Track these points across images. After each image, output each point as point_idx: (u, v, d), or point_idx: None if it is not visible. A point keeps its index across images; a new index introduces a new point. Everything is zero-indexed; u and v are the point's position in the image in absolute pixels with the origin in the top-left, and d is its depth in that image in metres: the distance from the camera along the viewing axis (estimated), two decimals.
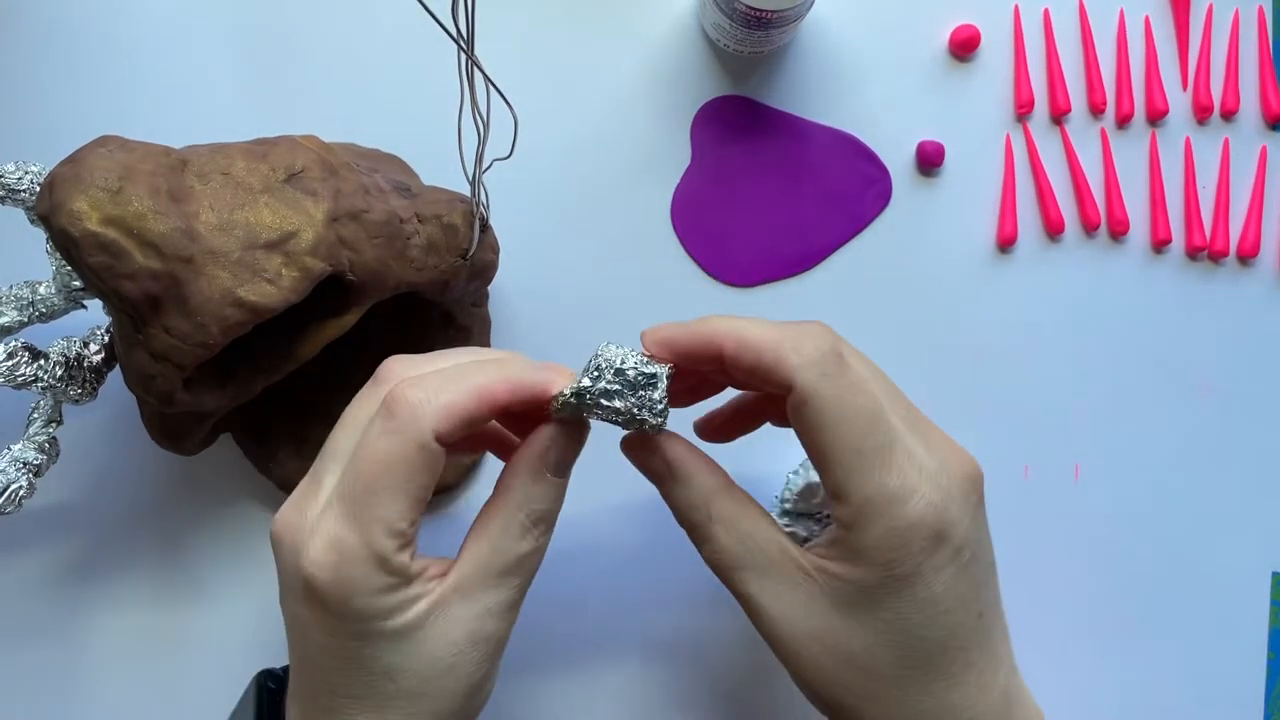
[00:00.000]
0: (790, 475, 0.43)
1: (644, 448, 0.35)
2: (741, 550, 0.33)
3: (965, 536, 0.31)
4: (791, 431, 0.33)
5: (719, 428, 0.40)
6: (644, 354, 0.33)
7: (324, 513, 0.31)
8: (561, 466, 0.34)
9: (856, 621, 0.32)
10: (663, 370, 0.33)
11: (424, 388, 0.31)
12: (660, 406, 0.33)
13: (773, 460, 0.42)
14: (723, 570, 0.34)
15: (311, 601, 0.31)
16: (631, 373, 0.33)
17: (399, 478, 0.30)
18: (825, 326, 0.33)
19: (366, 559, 0.30)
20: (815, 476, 0.42)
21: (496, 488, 0.34)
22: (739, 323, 0.32)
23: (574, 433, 0.34)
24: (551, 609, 0.45)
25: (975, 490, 0.32)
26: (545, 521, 0.34)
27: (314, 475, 0.33)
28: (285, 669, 0.37)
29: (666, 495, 0.35)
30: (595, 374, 0.33)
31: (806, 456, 0.40)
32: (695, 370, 0.34)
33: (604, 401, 0.33)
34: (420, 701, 0.32)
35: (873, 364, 0.34)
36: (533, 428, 0.34)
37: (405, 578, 0.31)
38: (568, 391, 0.33)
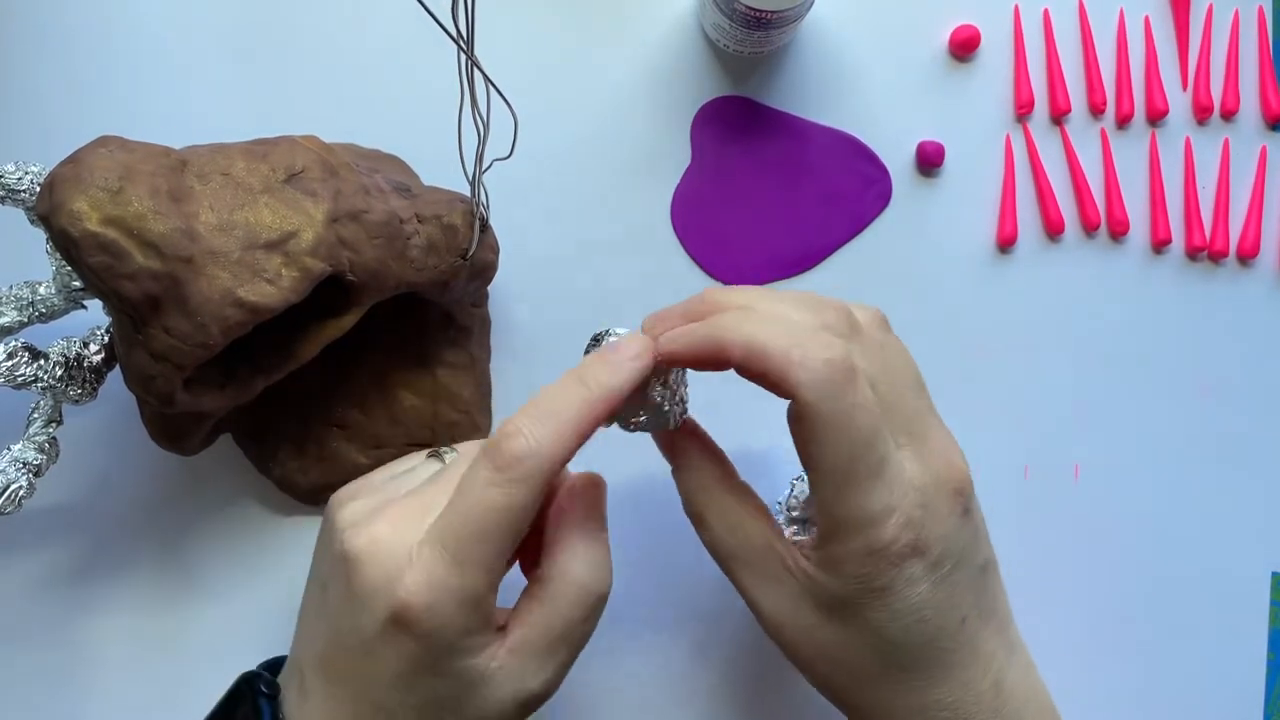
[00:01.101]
0: (795, 481, 0.43)
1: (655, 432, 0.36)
2: (733, 543, 0.34)
3: (946, 549, 0.32)
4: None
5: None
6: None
7: (424, 545, 0.32)
8: (604, 517, 0.36)
9: (838, 623, 0.32)
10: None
11: (534, 438, 0.31)
12: (669, 413, 0.34)
13: (781, 462, 0.43)
14: (717, 559, 0.35)
15: (396, 626, 0.31)
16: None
17: (505, 528, 0.31)
18: (843, 316, 0.33)
19: (464, 601, 0.31)
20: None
21: (554, 549, 0.34)
22: (749, 327, 0.32)
23: (602, 484, 0.36)
24: None
25: (960, 500, 0.33)
26: (602, 585, 0.35)
27: (417, 498, 0.34)
28: (271, 667, 0.37)
29: (674, 479, 0.36)
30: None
31: None
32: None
33: (632, 422, 0.35)
34: None
35: (887, 356, 0.33)
36: None
37: (489, 624, 0.32)
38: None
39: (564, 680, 0.34)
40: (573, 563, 0.34)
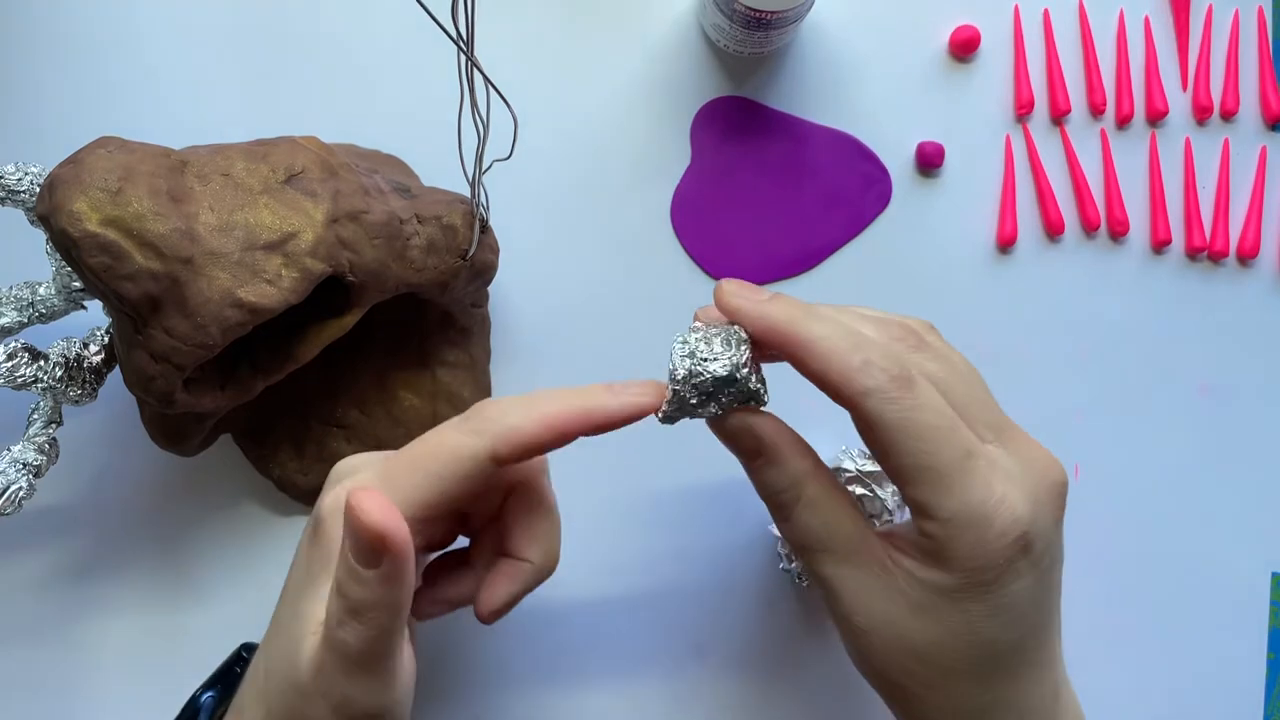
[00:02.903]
0: None
1: (736, 427, 0.33)
2: (825, 534, 0.33)
3: (1048, 543, 0.31)
4: (825, 419, 0.32)
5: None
6: (721, 334, 0.32)
7: (367, 464, 0.33)
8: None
9: (931, 618, 0.32)
10: (743, 351, 0.32)
11: (502, 406, 0.32)
12: (757, 388, 0.32)
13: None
14: (803, 550, 0.34)
15: (311, 529, 0.33)
16: (719, 368, 0.32)
17: (440, 465, 0.32)
18: (908, 331, 0.33)
19: None
20: (843, 462, 0.42)
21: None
22: (809, 325, 0.31)
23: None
24: (548, 612, 0.45)
25: (1062, 496, 0.32)
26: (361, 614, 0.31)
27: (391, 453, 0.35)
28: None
29: (754, 473, 0.34)
30: (683, 381, 0.32)
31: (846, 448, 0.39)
32: None
33: (701, 408, 0.33)
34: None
35: (955, 363, 0.33)
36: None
37: None
38: (666, 408, 0.33)
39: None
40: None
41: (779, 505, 0.34)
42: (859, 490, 0.42)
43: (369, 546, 0.29)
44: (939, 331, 0.35)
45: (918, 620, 0.32)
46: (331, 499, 0.33)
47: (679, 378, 0.32)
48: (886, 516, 0.42)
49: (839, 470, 0.42)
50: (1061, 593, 0.34)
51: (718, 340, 0.32)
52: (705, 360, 0.32)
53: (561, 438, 0.32)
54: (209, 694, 0.39)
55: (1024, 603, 0.31)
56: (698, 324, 0.34)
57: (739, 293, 0.33)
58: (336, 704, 0.31)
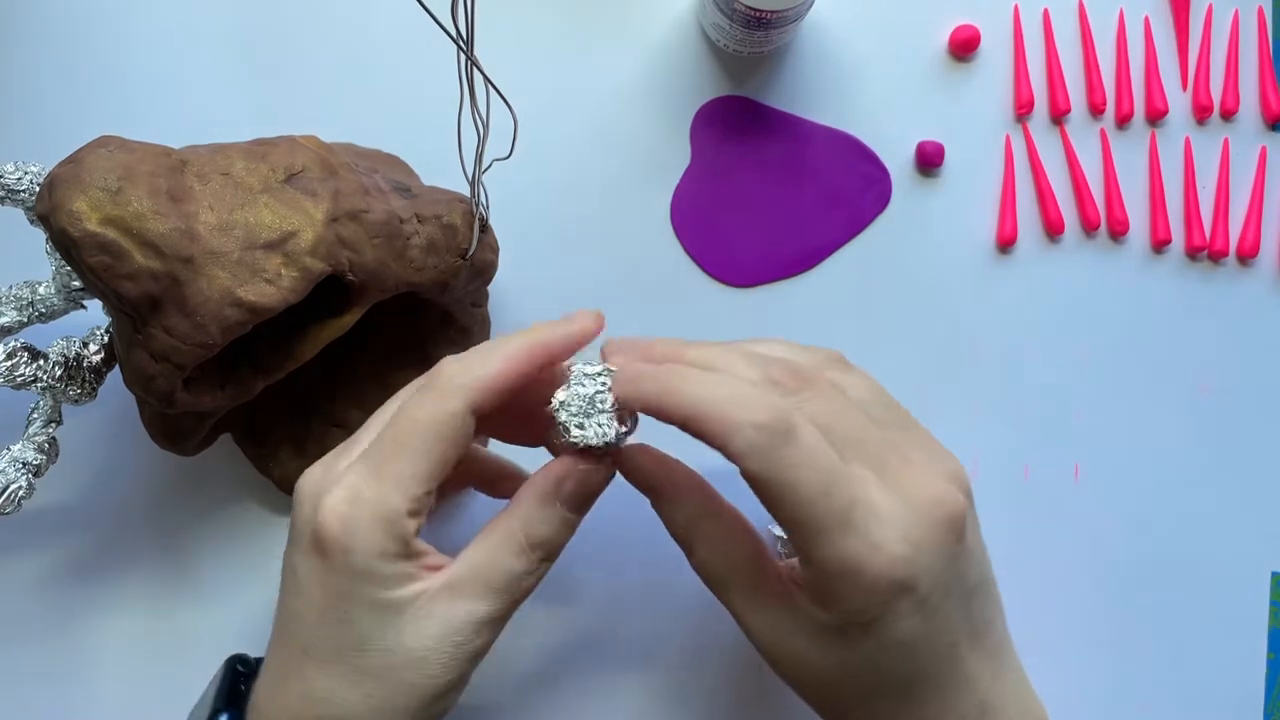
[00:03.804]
0: None
1: (628, 469, 0.35)
2: (726, 570, 0.34)
3: (935, 581, 0.31)
4: None
5: None
6: (592, 405, 0.34)
7: (349, 469, 0.32)
8: (575, 500, 0.34)
9: (830, 650, 0.32)
10: (612, 424, 0.34)
11: (460, 361, 0.33)
12: (610, 434, 0.34)
13: None
14: (708, 583, 0.35)
15: (314, 551, 0.32)
16: (592, 439, 0.34)
17: (426, 439, 0.32)
18: (790, 371, 0.33)
19: (376, 517, 0.31)
20: None
21: (509, 503, 0.34)
22: (683, 391, 0.31)
23: (594, 473, 0.34)
24: (550, 619, 0.45)
25: (952, 531, 0.32)
26: (545, 548, 0.34)
27: (350, 441, 0.34)
28: (259, 659, 0.37)
29: (655, 509, 0.35)
30: (567, 444, 0.34)
31: None
32: None
33: (573, 431, 0.34)
34: (381, 686, 0.32)
35: (846, 392, 0.33)
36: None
37: (406, 550, 0.32)
38: (555, 403, 0.34)
39: (500, 636, 0.34)
40: (515, 507, 0.34)
41: (679, 540, 0.35)
42: None
43: (592, 499, 0.34)
44: (845, 359, 0.35)
45: (819, 651, 0.32)
46: (335, 516, 0.32)
47: (567, 441, 0.34)
48: None
49: None
50: (986, 605, 0.34)
51: (591, 419, 0.34)
52: (582, 429, 0.33)
53: (523, 374, 0.33)
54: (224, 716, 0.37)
55: (914, 638, 0.31)
56: (587, 371, 0.34)
57: (615, 358, 0.35)
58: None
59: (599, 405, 0.33)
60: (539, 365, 0.34)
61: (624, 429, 0.34)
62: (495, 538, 0.33)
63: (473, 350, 0.34)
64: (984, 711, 0.33)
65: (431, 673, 0.32)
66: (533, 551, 0.33)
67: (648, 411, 0.33)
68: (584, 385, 0.34)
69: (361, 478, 0.32)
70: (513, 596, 0.34)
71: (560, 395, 0.34)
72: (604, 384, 0.34)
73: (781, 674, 0.34)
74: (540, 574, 0.34)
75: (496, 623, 0.33)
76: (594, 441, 0.33)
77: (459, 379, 0.32)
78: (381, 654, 0.32)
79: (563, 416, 0.33)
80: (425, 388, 0.33)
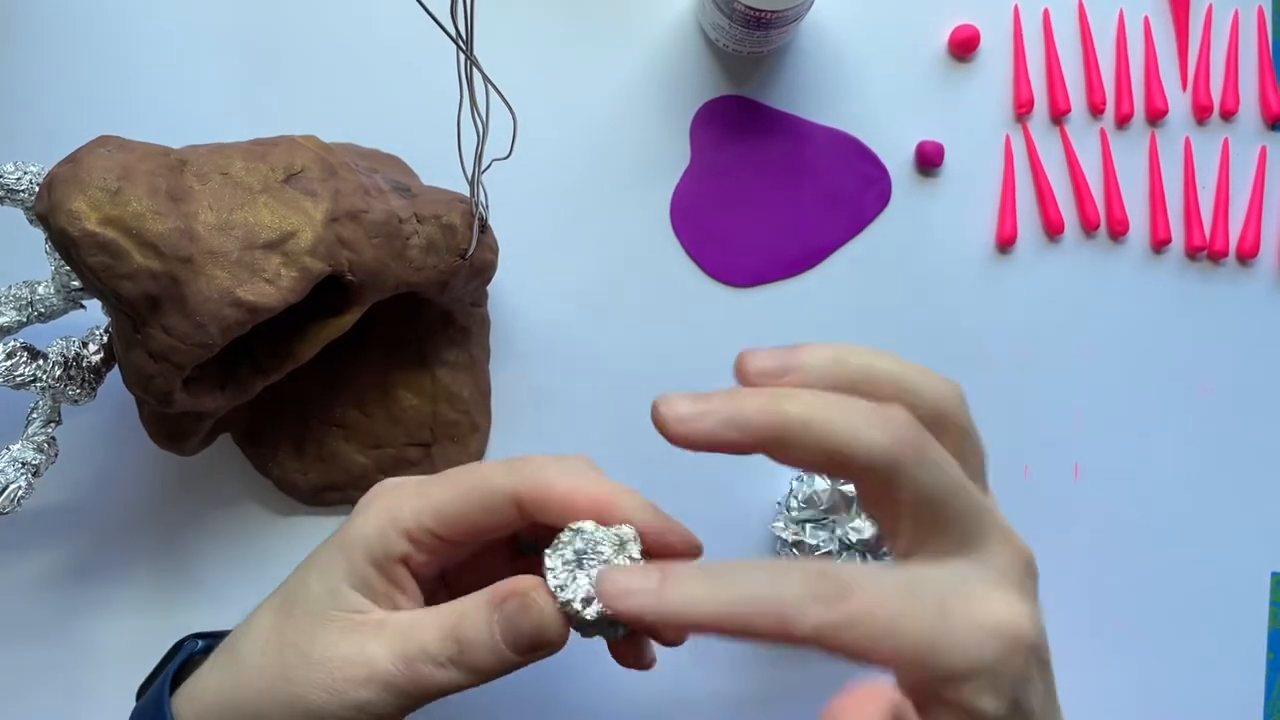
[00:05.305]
0: (794, 482, 0.43)
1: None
2: None
3: (1041, 628, 0.29)
4: None
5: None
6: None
7: (409, 482, 0.34)
8: (517, 641, 0.31)
9: None
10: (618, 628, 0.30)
11: (541, 460, 0.32)
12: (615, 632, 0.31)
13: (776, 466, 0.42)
14: None
15: (332, 544, 0.33)
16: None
17: (465, 484, 0.32)
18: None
19: (386, 510, 0.32)
20: (819, 484, 0.42)
21: (466, 597, 0.32)
22: (711, 615, 0.25)
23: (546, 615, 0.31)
24: None
25: (1034, 655, 0.29)
26: (464, 667, 0.31)
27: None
28: (218, 633, 0.37)
29: None
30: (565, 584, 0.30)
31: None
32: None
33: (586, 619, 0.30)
34: (283, 669, 0.32)
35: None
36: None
37: (382, 563, 0.32)
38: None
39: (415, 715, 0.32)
40: (457, 613, 0.31)
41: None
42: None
43: (532, 645, 0.30)
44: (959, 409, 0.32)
45: None
46: (370, 495, 0.33)
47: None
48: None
49: (776, 539, 0.43)
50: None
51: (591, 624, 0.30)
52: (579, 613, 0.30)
53: (578, 511, 0.31)
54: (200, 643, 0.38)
55: (1038, 706, 0.28)
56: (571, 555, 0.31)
57: (625, 595, 0.26)
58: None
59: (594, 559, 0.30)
60: (596, 516, 0.31)
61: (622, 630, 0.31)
62: (429, 633, 0.31)
63: (564, 464, 0.32)
64: None
65: (323, 690, 0.31)
66: (451, 667, 0.31)
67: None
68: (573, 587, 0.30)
69: (412, 487, 0.33)
70: (415, 697, 0.31)
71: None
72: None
73: None
74: (449, 684, 0.31)
75: (418, 694, 0.31)
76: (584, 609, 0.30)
77: (529, 468, 0.32)
78: (306, 657, 0.32)
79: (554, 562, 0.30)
80: (508, 460, 0.32)
